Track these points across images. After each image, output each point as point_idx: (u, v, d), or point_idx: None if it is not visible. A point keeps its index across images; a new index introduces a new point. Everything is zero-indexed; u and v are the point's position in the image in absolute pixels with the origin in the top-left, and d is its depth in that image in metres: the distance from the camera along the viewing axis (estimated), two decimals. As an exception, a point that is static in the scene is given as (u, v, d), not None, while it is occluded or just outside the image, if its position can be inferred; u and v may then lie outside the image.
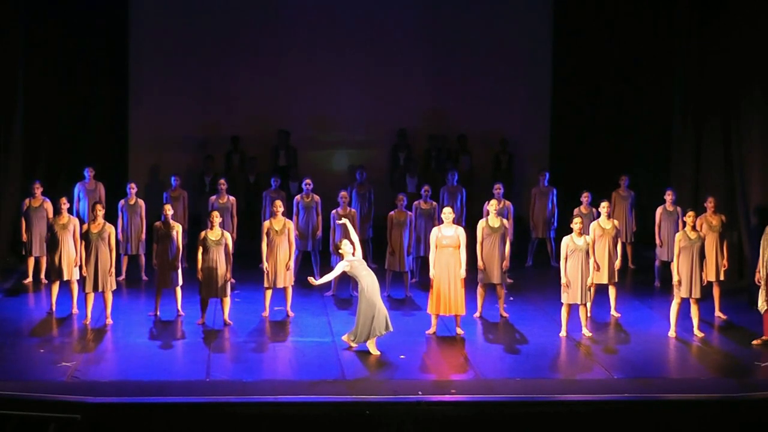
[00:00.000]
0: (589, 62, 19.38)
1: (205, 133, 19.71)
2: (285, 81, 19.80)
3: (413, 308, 14.48)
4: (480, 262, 13.69)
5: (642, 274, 16.63)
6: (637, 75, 18.65)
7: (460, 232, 13.14)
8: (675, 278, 13.10)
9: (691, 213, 13.22)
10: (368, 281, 12.24)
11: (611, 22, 19.06)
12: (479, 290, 13.91)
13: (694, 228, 13.12)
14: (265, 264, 13.82)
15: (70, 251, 13.79)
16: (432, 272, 13.07)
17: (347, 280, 15.02)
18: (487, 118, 20.03)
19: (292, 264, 13.98)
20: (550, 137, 20.31)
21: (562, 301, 13.03)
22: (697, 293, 13.02)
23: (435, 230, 13.24)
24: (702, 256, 13.08)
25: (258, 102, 19.81)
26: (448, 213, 13.16)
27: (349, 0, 20.04)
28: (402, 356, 12.22)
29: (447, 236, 13.05)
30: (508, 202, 15.78)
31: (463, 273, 13.04)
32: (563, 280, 12.94)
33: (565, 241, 12.99)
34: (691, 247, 13.02)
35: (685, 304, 13.16)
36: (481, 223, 13.83)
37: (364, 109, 19.99)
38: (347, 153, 20.15)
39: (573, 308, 13.08)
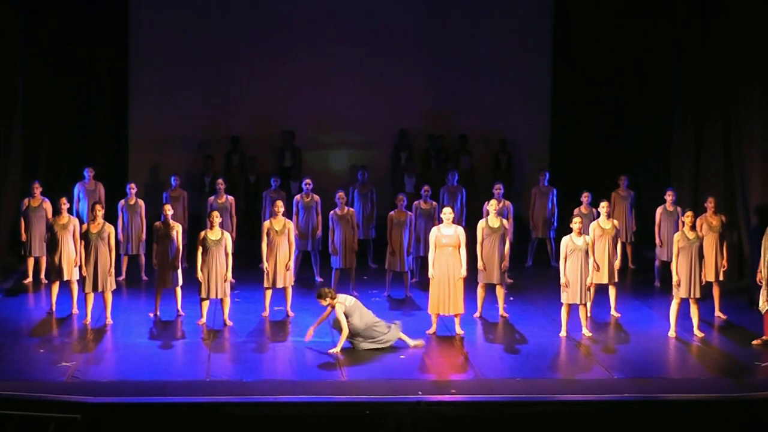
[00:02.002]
0: (589, 62, 19.38)
1: (204, 133, 19.70)
2: (285, 81, 19.80)
3: (413, 308, 14.47)
4: (480, 263, 13.69)
5: (642, 274, 16.63)
6: (637, 75, 18.65)
7: (460, 232, 13.15)
8: (674, 278, 13.10)
9: (689, 213, 13.22)
10: (354, 326, 12.34)
11: (611, 23, 19.04)
12: (479, 290, 13.91)
13: (692, 228, 13.12)
14: (265, 264, 13.82)
15: (69, 251, 13.78)
16: (431, 272, 13.07)
17: (347, 280, 15.02)
18: (487, 118, 20.03)
19: (292, 264, 13.97)
20: (550, 137, 20.32)
21: (562, 301, 13.03)
22: (696, 293, 13.02)
23: (434, 230, 13.24)
24: (701, 256, 13.08)
25: (258, 102, 19.81)
26: (447, 213, 13.16)
27: (349, 0, 20.04)
28: (402, 356, 12.22)
29: (446, 236, 13.05)
30: (507, 202, 15.76)
31: (464, 272, 13.04)
32: (562, 280, 12.93)
33: (565, 240, 12.99)
34: (690, 247, 13.02)
35: (684, 304, 13.16)
36: (480, 224, 13.83)
37: (364, 110, 19.99)
38: (348, 153, 20.14)
39: (573, 308, 13.08)
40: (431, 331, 13.13)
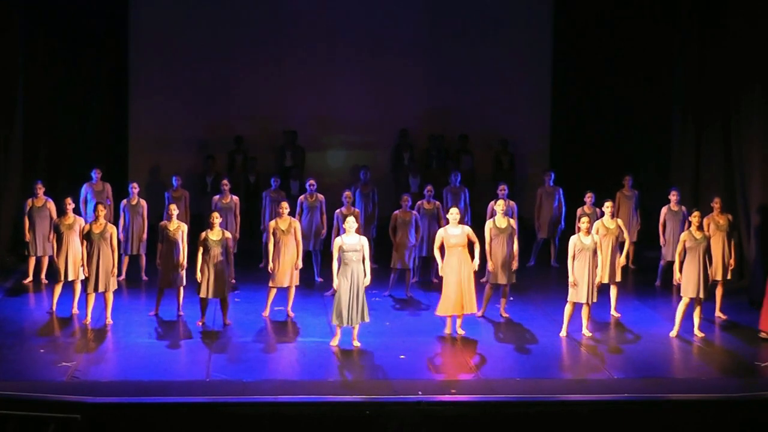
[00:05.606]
0: (589, 62, 19.38)
1: (205, 133, 19.70)
2: (286, 81, 19.80)
3: (415, 308, 14.47)
4: (489, 263, 13.67)
5: (643, 274, 16.61)
6: (638, 75, 18.65)
7: (468, 231, 13.12)
8: (676, 277, 13.08)
9: (696, 213, 13.19)
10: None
11: (611, 22, 19.06)
12: (487, 290, 13.89)
13: (699, 228, 13.10)
14: (271, 263, 13.78)
15: (75, 251, 13.76)
16: (441, 272, 13.04)
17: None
18: (488, 118, 20.04)
19: (300, 263, 13.92)
20: (551, 137, 20.32)
21: (568, 299, 12.97)
22: (703, 293, 12.97)
23: (441, 231, 13.20)
24: (708, 256, 13.05)
25: (259, 102, 19.81)
26: (455, 213, 13.13)
27: (351, 1, 20.04)
28: (402, 356, 12.22)
29: (454, 236, 13.02)
30: (512, 202, 15.79)
31: (475, 266, 13.01)
32: (570, 279, 12.89)
33: (573, 240, 12.97)
34: (697, 247, 12.99)
35: (689, 303, 13.12)
36: (488, 224, 13.79)
37: (366, 110, 20.00)
38: (349, 153, 20.14)
39: (576, 307, 13.05)
40: (447, 331, 13.08)
